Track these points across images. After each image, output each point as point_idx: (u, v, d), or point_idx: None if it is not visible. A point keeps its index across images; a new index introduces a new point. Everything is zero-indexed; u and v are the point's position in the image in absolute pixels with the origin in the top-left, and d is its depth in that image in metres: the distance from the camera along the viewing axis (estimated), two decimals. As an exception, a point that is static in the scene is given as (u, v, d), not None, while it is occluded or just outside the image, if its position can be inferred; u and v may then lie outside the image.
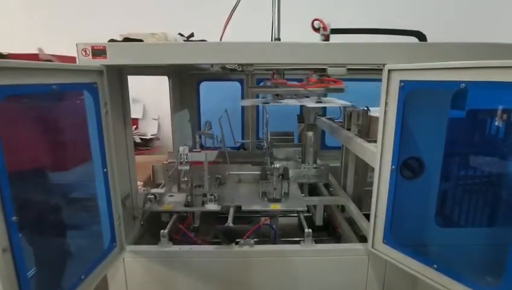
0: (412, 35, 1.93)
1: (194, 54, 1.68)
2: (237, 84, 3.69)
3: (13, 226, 1.08)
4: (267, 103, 2.29)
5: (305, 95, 2.35)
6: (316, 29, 1.83)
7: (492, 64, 1.21)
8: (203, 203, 2.10)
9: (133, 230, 2.10)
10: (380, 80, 1.63)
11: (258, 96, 3.68)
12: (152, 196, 2.10)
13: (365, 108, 2.32)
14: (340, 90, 2.15)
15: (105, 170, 1.67)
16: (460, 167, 1.83)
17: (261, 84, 3.05)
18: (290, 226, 2.69)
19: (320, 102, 2.30)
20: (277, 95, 2.31)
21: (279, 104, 2.28)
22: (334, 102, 2.39)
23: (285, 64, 2.23)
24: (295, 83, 2.42)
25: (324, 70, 2.17)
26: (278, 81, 2.26)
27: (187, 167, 2.12)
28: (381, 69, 1.61)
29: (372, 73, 3.07)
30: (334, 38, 1.84)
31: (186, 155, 2.16)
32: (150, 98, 4.69)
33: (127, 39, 1.73)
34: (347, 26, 1.91)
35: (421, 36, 1.91)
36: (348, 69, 2.16)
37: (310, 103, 2.28)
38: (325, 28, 1.80)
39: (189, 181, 2.12)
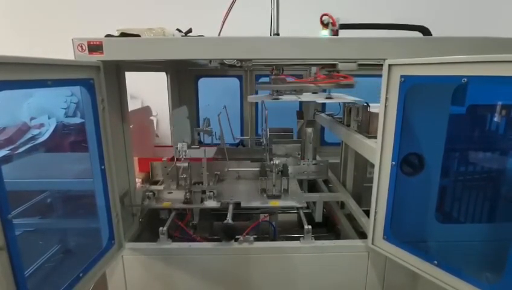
0: (417, 30, 1.89)
1: (192, 49, 1.66)
2: (236, 80, 3.66)
3: (9, 224, 1.07)
4: (277, 99, 2.24)
5: (313, 91, 2.33)
6: (325, 25, 1.80)
7: (493, 59, 1.20)
8: (202, 200, 2.09)
9: (131, 227, 2.09)
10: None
11: (256, 92, 3.67)
12: (151, 193, 2.09)
13: (365, 104, 2.30)
14: (351, 85, 2.12)
15: (102, 167, 1.66)
16: (460, 163, 1.82)
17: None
18: (290, 222, 2.68)
19: (330, 98, 2.29)
20: (277, 91, 2.28)
21: (286, 100, 2.24)
22: (343, 98, 2.37)
23: (285, 60, 2.21)
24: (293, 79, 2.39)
25: (334, 66, 2.12)
26: (278, 78, 2.23)
27: (186, 164, 2.10)
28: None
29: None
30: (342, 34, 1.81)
31: (185, 152, 2.15)
32: (149, 95, 4.67)
33: (123, 34, 1.71)
34: (348, 21, 1.87)
35: (424, 31, 1.88)
36: (359, 65, 2.13)
37: (320, 99, 2.27)
38: (334, 24, 1.77)
39: (187, 178, 2.11)
